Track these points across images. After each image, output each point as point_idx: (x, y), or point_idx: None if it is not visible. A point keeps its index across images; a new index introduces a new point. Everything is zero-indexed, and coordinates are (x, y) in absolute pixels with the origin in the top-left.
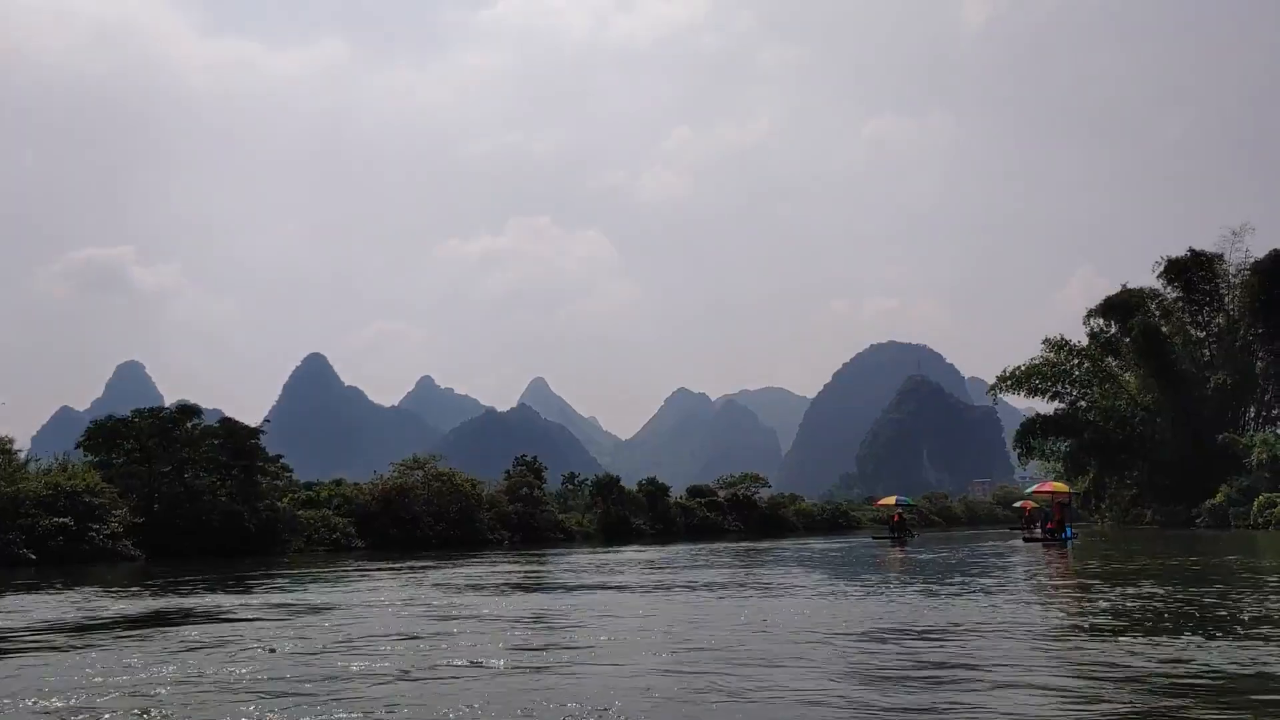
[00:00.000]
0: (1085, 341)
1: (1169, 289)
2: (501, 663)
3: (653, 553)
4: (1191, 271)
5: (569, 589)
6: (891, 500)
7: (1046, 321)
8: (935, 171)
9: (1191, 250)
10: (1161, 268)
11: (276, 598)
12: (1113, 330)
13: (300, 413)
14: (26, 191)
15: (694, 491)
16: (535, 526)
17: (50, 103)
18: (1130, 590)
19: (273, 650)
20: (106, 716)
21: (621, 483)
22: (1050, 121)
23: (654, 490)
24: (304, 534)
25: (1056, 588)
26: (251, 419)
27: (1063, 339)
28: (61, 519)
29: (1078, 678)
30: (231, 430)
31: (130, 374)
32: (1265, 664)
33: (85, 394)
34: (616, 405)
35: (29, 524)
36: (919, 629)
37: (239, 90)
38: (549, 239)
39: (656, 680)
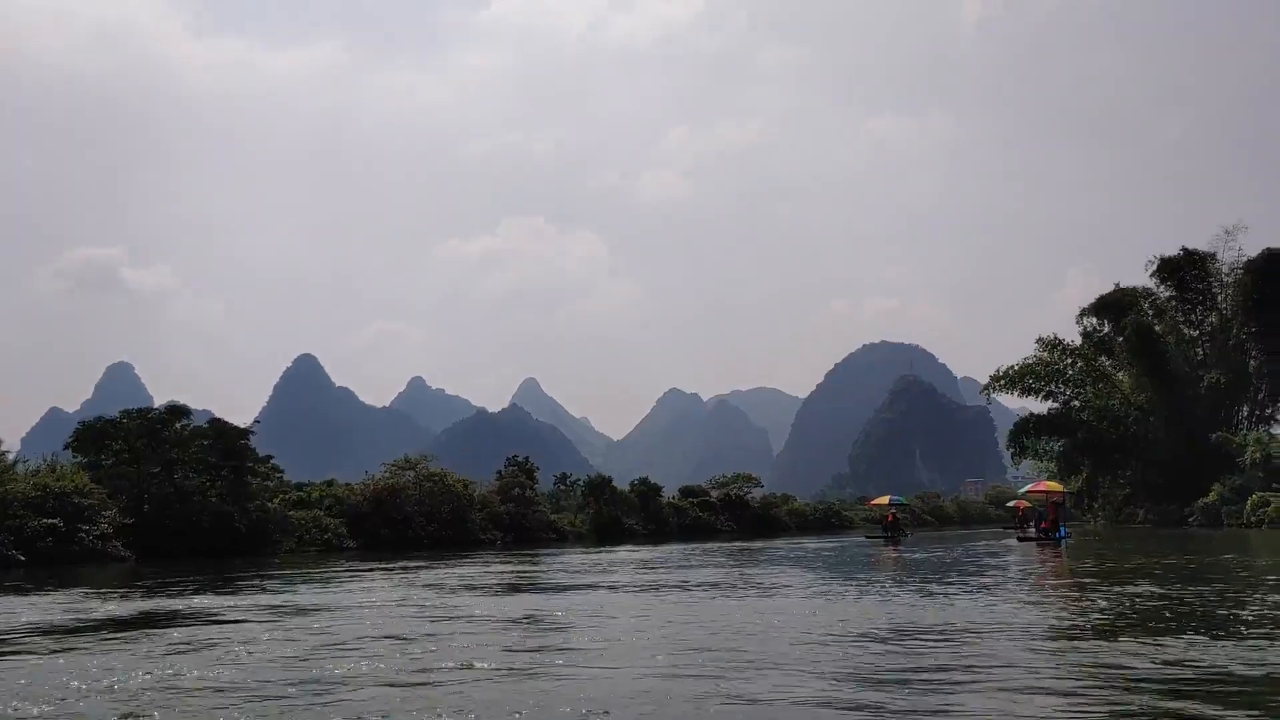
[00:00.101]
0: (1079, 341)
1: (1162, 288)
2: (494, 665)
3: (646, 553)
4: (1184, 270)
5: (562, 589)
6: (885, 500)
7: (1041, 321)
8: (933, 172)
9: (1184, 249)
10: (1154, 267)
11: (266, 599)
12: (1106, 329)
13: (291, 414)
14: (19, 191)
15: (686, 492)
16: (527, 527)
17: (46, 102)
18: (1128, 590)
19: (250, 653)
20: None
21: (614, 483)
22: (1048, 121)
23: (646, 490)
24: (295, 535)
25: (1054, 587)
26: (243, 420)
27: (1056, 338)
28: (50, 520)
29: (1083, 679)
30: (221, 431)
31: (120, 375)
32: (1272, 665)
33: (75, 395)
34: (608, 406)
35: (17, 525)
36: (919, 629)
37: (235, 90)
38: (544, 239)
39: (653, 683)
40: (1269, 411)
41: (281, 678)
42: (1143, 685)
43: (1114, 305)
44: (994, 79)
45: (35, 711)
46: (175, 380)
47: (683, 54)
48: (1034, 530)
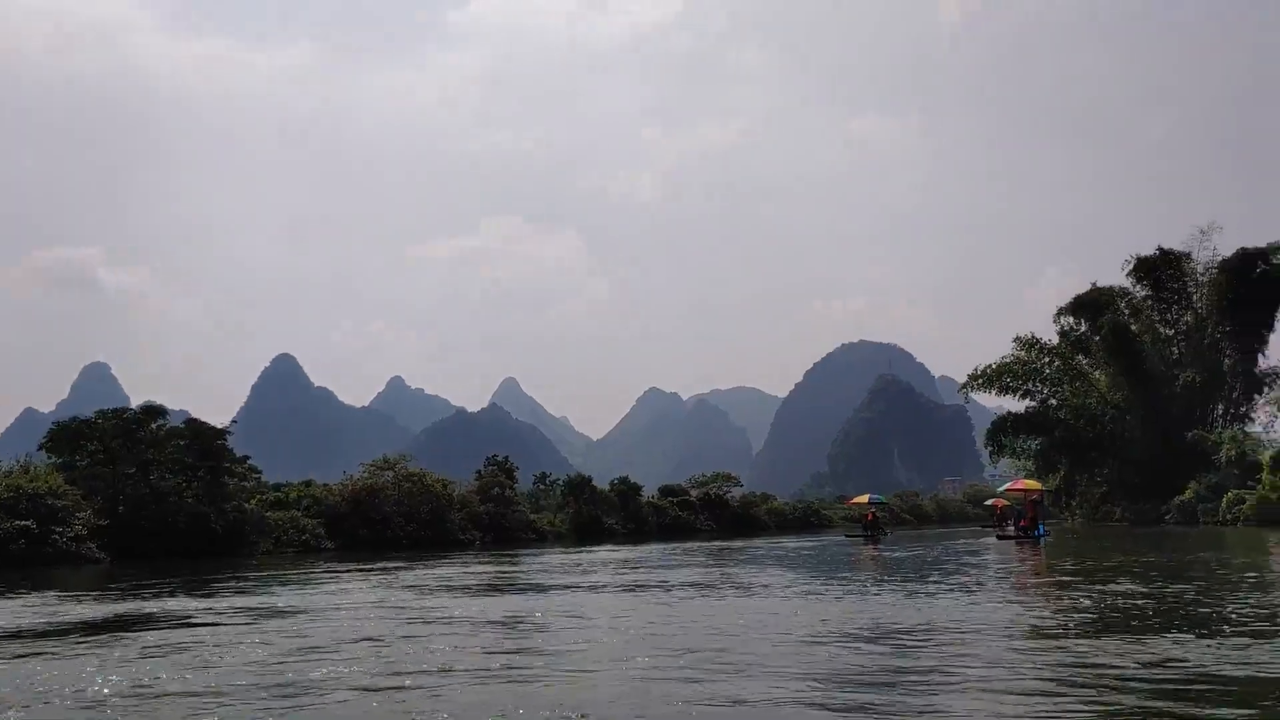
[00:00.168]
0: (1056, 340)
1: (1138, 287)
2: (472, 668)
3: (626, 552)
4: (1160, 270)
5: (542, 590)
6: (865, 499)
7: (1018, 321)
8: (912, 172)
9: (1160, 249)
10: (1131, 266)
11: (241, 601)
12: (1083, 329)
13: (269, 414)
14: None
15: (666, 491)
16: (507, 527)
17: (21, 102)
18: (1110, 588)
19: (223, 657)
20: None
21: (593, 482)
22: (1028, 122)
23: (626, 490)
24: (272, 535)
25: (1035, 586)
26: (221, 421)
27: (1034, 337)
28: (23, 522)
29: (1068, 679)
30: (197, 431)
31: (97, 375)
32: (1259, 663)
33: (50, 396)
34: (588, 405)
35: None
36: (902, 629)
37: (213, 91)
38: (524, 239)
39: (635, 686)
40: (1243, 410)
41: (255, 682)
42: (1129, 684)
43: (1091, 304)
44: (975, 80)
45: (1, 716)
46: (153, 380)
47: (662, 54)
48: (1013, 528)
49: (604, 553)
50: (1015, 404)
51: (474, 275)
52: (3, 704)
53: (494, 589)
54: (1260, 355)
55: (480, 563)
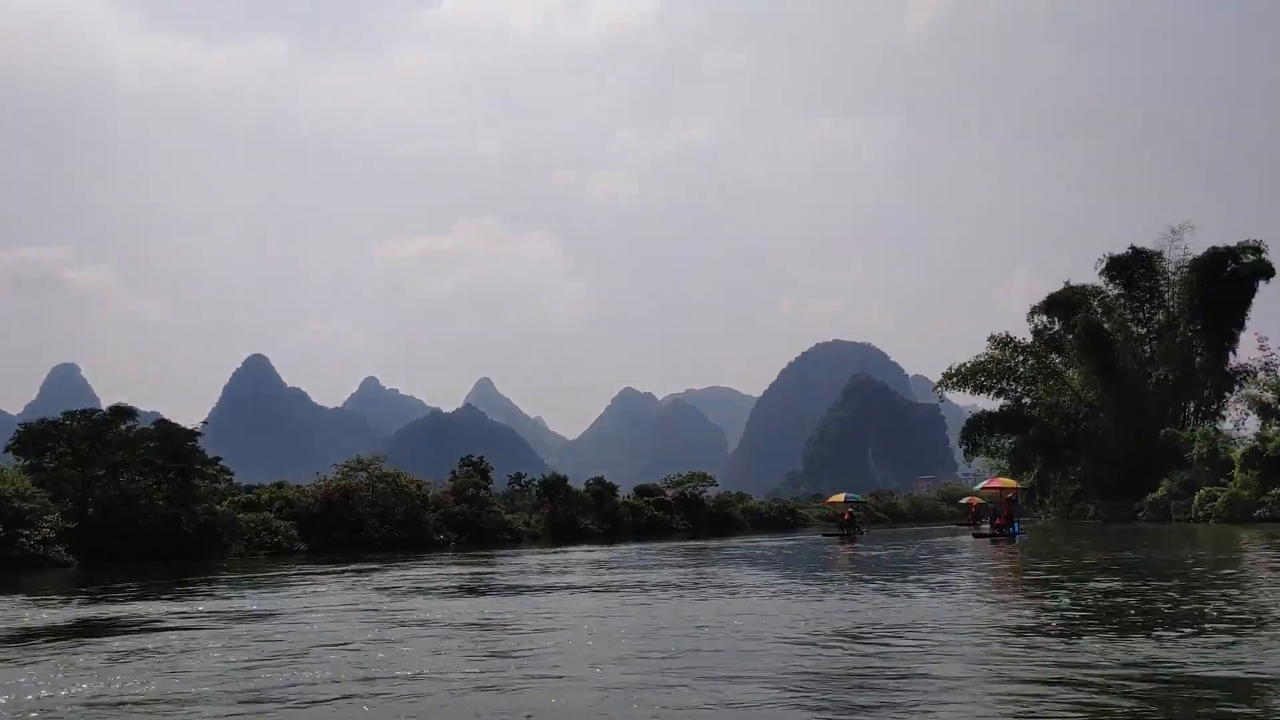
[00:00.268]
0: (1030, 339)
1: (1111, 286)
2: (447, 673)
3: (601, 553)
4: (1133, 269)
5: (517, 592)
6: (841, 498)
7: (991, 320)
8: (884, 173)
9: (1133, 247)
10: (1104, 265)
11: (211, 605)
12: (1056, 327)
13: (241, 415)
14: None
15: (642, 491)
16: (482, 527)
17: None
18: (1090, 586)
19: (191, 663)
20: None
21: (569, 482)
22: (1000, 122)
23: (602, 490)
24: (244, 538)
25: (1015, 585)
26: (193, 422)
27: (1008, 336)
28: None
29: (1055, 677)
30: (168, 432)
31: (65, 377)
32: (1244, 663)
33: (18, 398)
34: (563, 405)
35: None
36: (886, 629)
37: (175, 88)
38: (497, 239)
39: (613, 692)
40: (1215, 408)
41: (222, 689)
42: (1117, 684)
43: (1064, 303)
44: (945, 82)
45: None
46: (123, 381)
47: (638, 56)
48: (988, 526)
49: (580, 553)
50: (989, 403)
51: (448, 275)
52: None
53: (469, 591)
54: (1231, 353)
55: (455, 564)
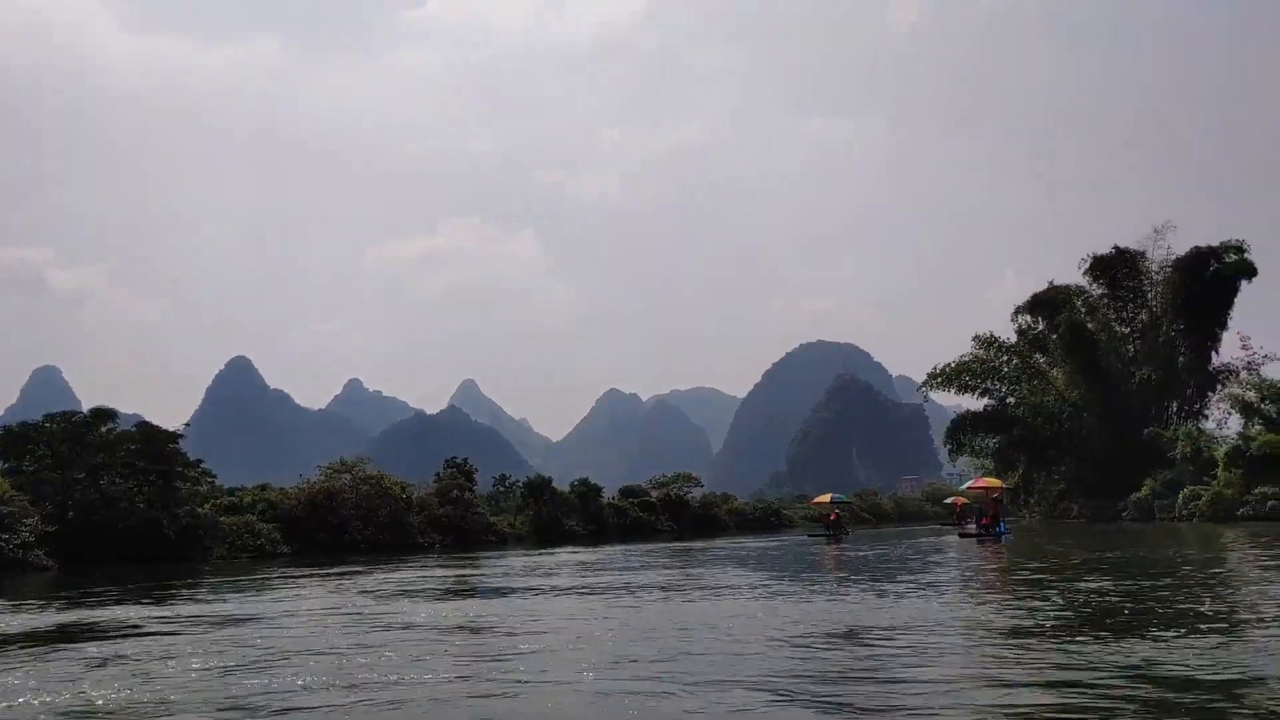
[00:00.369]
0: (1014, 339)
1: (1095, 286)
2: (432, 678)
3: (587, 554)
4: (1116, 268)
5: (503, 594)
6: (827, 498)
7: (976, 321)
8: (871, 173)
9: (1116, 247)
10: (1087, 265)
11: (192, 609)
12: (1040, 327)
13: (224, 417)
14: None
15: (626, 492)
16: (467, 529)
17: None
18: (1081, 586)
19: (170, 669)
20: None
21: (554, 484)
22: (987, 123)
23: (586, 491)
24: (227, 540)
25: (1004, 585)
26: (175, 424)
27: (992, 336)
28: None
29: (1053, 677)
30: (149, 435)
31: (47, 379)
32: (1247, 664)
33: None
34: (548, 407)
35: None
36: (877, 630)
37: (166, 88)
38: (483, 240)
39: (601, 698)
40: (1198, 407)
41: (200, 697)
42: (1112, 684)
43: (1048, 303)
44: (935, 81)
45: None
46: (105, 384)
47: (624, 55)
48: (974, 526)
49: (565, 555)
50: (974, 403)
51: (433, 276)
52: None
53: (454, 594)
54: (1214, 353)
55: (440, 566)
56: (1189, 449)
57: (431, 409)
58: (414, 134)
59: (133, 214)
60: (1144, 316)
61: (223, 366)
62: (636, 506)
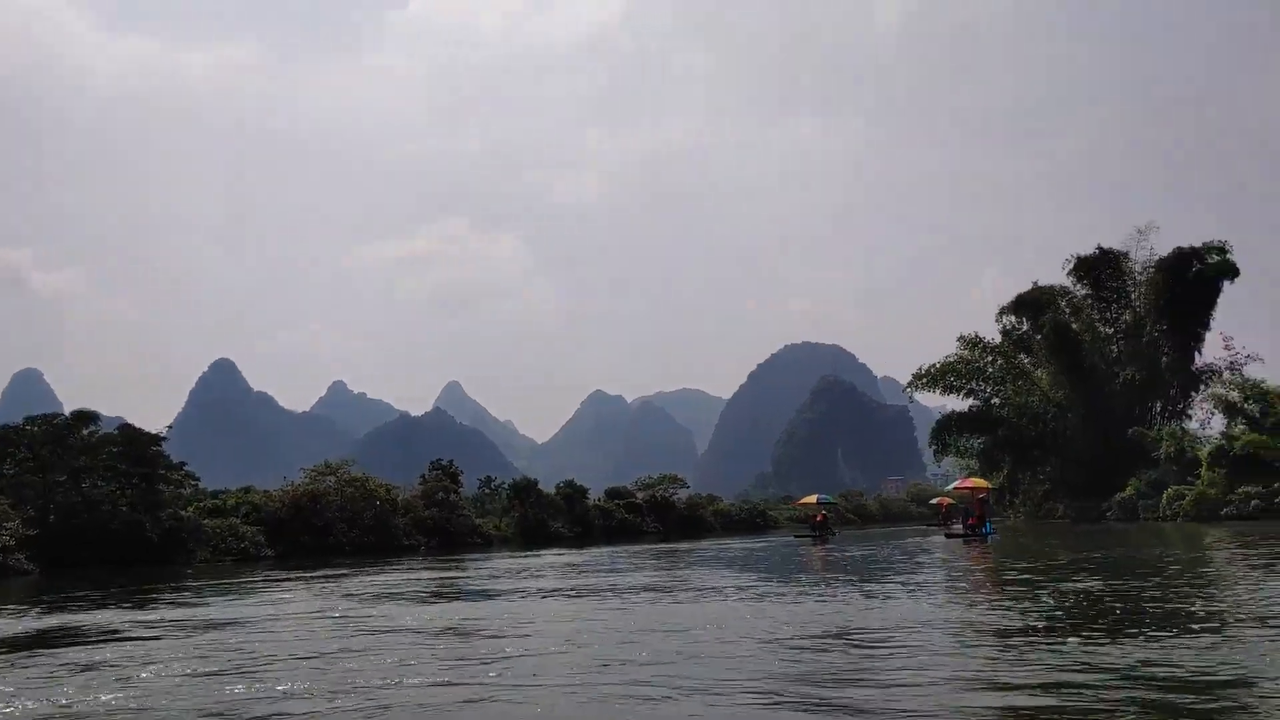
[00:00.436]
0: (999, 339)
1: (1079, 286)
2: (417, 683)
3: (573, 556)
4: (1100, 269)
5: (489, 596)
6: (813, 499)
7: (960, 321)
8: (853, 173)
9: (1100, 248)
10: (1071, 265)
11: (175, 613)
12: (1025, 327)
13: (208, 419)
14: None
15: (612, 493)
16: (452, 531)
17: None
18: (1069, 586)
19: (151, 674)
20: None
21: (539, 486)
22: (968, 123)
23: (572, 493)
24: (210, 544)
25: (992, 585)
26: (158, 427)
27: (977, 336)
28: None
29: (1046, 677)
30: (131, 437)
31: (28, 382)
32: (1241, 664)
33: None
34: (533, 408)
35: None
36: (867, 631)
37: (146, 89)
38: (466, 241)
39: (591, 704)
40: (1181, 407)
41: (182, 703)
42: (1108, 684)
43: (1032, 303)
44: (915, 82)
45: None
46: (87, 387)
47: (606, 55)
48: (960, 527)
49: (551, 556)
50: (959, 403)
51: (417, 278)
52: None
53: (440, 596)
54: (1197, 353)
55: (426, 569)
56: (1173, 449)
57: (416, 411)
58: (397, 135)
59: (114, 216)
60: (1128, 317)
61: (206, 369)
62: (622, 508)
